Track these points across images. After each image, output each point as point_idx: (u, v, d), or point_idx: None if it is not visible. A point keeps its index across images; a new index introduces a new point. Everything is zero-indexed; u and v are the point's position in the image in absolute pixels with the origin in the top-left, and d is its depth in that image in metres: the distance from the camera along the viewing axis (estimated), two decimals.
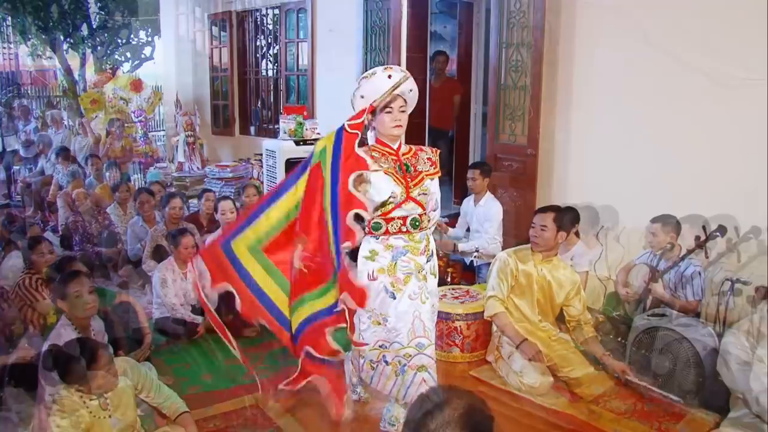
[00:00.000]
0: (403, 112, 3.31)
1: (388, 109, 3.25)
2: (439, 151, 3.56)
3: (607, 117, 5.25)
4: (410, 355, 3.38)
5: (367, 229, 3.33)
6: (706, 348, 3.74)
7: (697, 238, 4.25)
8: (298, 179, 2.98)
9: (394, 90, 3.08)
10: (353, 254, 3.35)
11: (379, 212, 3.31)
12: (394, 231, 3.35)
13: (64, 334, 3.51)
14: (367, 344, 3.40)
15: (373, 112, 3.17)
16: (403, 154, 3.39)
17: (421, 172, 3.39)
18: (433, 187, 3.44)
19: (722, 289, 3.96)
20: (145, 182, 8.80)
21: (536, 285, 4.24)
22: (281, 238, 2.96)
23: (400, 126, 3.32)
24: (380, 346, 3.40)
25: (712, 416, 3.69)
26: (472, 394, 1.73)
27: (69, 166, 8.44)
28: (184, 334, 4.84)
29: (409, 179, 3.33)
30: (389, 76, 3.21)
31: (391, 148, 3.37)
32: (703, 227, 4.21)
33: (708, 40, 4.56)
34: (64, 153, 8.79)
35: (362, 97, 3.25)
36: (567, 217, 4.26)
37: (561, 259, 4.38)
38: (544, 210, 4.28)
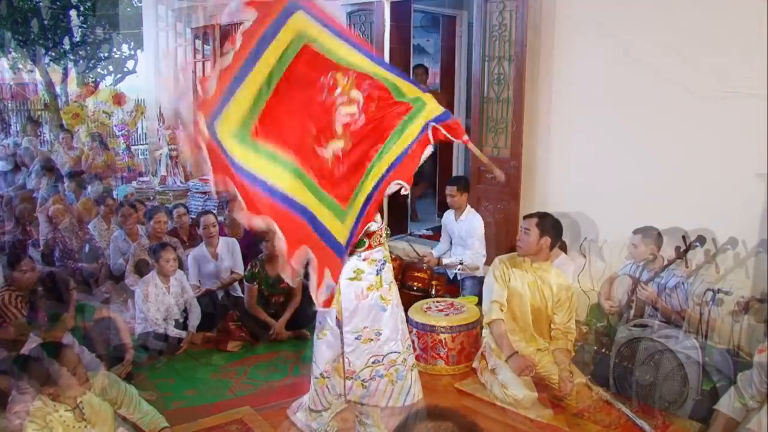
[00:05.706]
0: None
1: None
2: None
3: (589, 130, 5.31)
4: (406, 359, 3.35)
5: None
6: (689, 359, 3.77)
7: (678, 248, 4.29)
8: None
9: None
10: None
11: None
12: (375, 244, 3.27)
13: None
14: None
15: None
16: None
17: None
18: None
19: (704, 299, 3.99)
20: (117, 196, 8.65)
21: (529, 289, 4.26)
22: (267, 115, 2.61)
23: None
24: (373, 362, 3.29)
25: (696, 426, 3.71)
26: (471, 421, 1.68)
27: (52, 180, 8.35)
28: (167, 349, 4.81)
29: None
30: None
31: None
32: (683, 237, 4.25)
33: (687, 53, 4.62)
34: (48, 166, 8.72)
35: None
36: (549, 222, 4.28)
37: (552, 266, 4.38)
38: (530, 215, 4.33)
